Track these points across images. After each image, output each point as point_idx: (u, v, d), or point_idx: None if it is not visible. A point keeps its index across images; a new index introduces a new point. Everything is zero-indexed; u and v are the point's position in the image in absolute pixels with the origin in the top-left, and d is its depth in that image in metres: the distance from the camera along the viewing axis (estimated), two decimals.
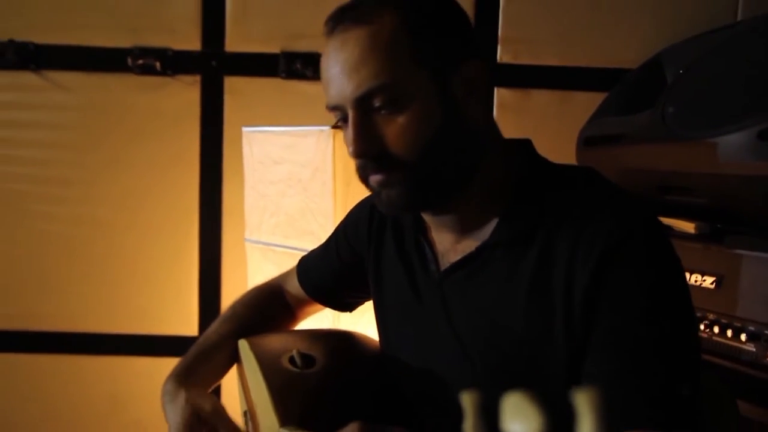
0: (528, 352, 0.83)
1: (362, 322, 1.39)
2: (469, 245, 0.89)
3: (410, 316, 0.97)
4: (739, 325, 1.31)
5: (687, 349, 0.78)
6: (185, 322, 2.11)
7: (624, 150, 1.62)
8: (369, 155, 0.83)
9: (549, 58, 2.05)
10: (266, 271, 1.61)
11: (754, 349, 1.27)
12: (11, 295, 2.12)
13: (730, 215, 1.45)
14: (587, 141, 1.79)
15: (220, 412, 1.03)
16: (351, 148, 0.84)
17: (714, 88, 1.48)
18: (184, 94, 2.05)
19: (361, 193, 1.16)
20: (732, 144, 1.31)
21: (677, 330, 0.77)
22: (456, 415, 0.95)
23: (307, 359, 1.01)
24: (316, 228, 1.50)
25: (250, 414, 1.12)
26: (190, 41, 2.04)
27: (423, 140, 0.82)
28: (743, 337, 1.29)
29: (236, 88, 2.05)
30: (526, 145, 0.93)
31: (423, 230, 0.96)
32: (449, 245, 0.92)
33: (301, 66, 1.99)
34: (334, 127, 1.46)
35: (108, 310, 2.12)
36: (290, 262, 1.29)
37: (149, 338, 2.12)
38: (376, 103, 0.81)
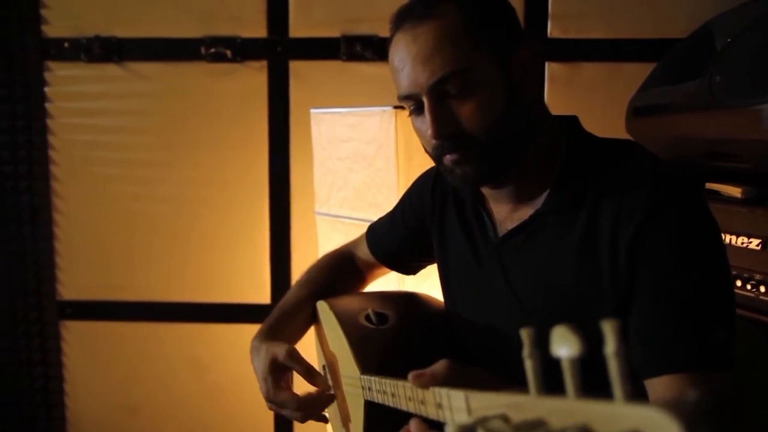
0: (578, 307, 0.91)
1: (425, 285, 1.49)
2: (523, 213, 0.98)
3: (471, 278, 1.07)
4: None
5: (720, 300, 0.86)
6: (259, 290, 2.25)
7: (672, 119, 1.66)
8: (446, 136, 0.91)
9: (597, 32, 2.09)
10: (335, 241, 1.71)
11: None
12: (102, 269, 2.30)
13: None
14: (636, 111, 1.82)
15: (294, 355, 1.12)
16: (430, 131, 0.91)
17: (759, 57, 1.50)
18: (253, 79, 2.17)
19: (422, 167, 1.26)
20: None
21: (711, 283, 0.85)
22: (512, 363, 1.07)
23: (381, 317, 1.12)
24: (381, 200, 1.61)
25: (328, 367, 1.25)
26: (257, 29, 2.15)
27: (492, 119, 0.91)
28: None
29: (300, 72, 2.16)
30: (572, 121, 1.01)
31: (482, 201, 1.06)
32: (506, 214, 1.01)
33: (361, 48, 2.09)
34: (396, 107, 1.56)
35: (188, 281, 2.28)
36: (357, 232, 1.40)
37: (226, 306, 2.28)
38: (450, 89, 0.89)
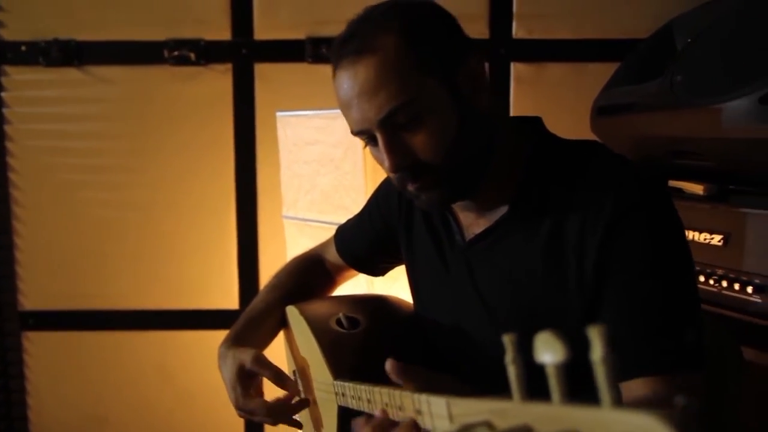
0: (546, 309, 0.91)
1: (395, 287, 1.49)
2: (489, 218, 0.98)
3: (439, 281, 1.07)
4: (745, 278, 1.38)
5: (689, 300, 0.87)
6: (226, 296, 2.23)
7: (636, 118, 1.68)
8: (404, 168, 0.90)
9: (562, 32, 2.11)
10: (303, 244, 1.71)
11: (760, 301, 1.34)
12: (65, 278, 2.25)
13: (735, 176, 1.52)
14: (600, 111, 1.84)
15: (261, 360, 1.11)
16: (386, 165, 0.90)
17: (719, 56, 1.53)
18: (218, 82, 2.15)
19: None
20: (735, 109, 1.36)
21: (679, 284, 0.86)
22: (482, 364, 1.07)
23: (352, 321, 1.12)
24: (349, 203, 1.61)
25: (299, 372, 1.23)
26: (221, 31, 2.13)
27: (447, 143, 0.89)
28: (750, 289, 1.36)
29: (266, 74, 2.14)
30: (536, 122, 1.00)
31: (448, 207, 1.04)
32: (472, 219, 1.01)
33: (327, 50, 2.07)
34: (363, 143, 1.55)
35: (154, 287, 2.25)
36: (325, 235, 1.39)
37: (194, 313, 2.25)
38: (400, 120, 0.87)
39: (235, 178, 2.19)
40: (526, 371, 0.44)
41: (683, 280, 0.87)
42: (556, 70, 2.13)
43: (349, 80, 0.88)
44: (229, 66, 2.15)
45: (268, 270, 2.16)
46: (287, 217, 1.81)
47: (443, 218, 1.06)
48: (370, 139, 0.92)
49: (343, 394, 0.95)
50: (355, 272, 1.35)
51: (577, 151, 0.95)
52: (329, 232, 1.37)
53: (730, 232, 1.44)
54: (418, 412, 0.65)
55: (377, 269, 1.32)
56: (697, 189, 1.58)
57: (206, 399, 2.25)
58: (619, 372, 0.85)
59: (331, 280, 1.36)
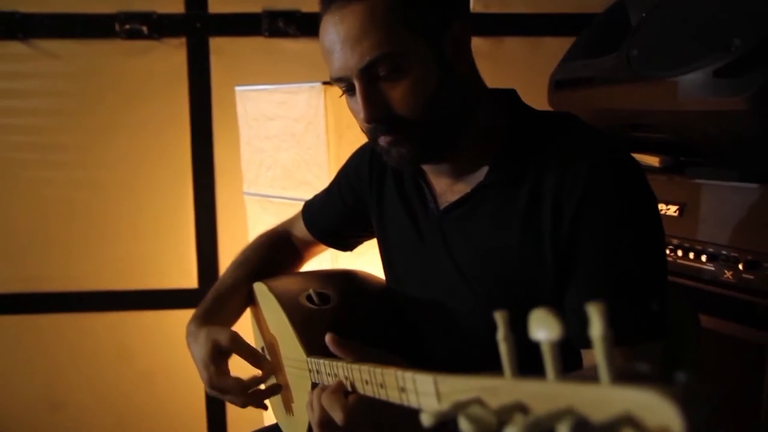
0: (522, 277, 0.93)
1: (360, 261, 1.48)
2: (465, 186, 0.99)
3: (414, 252, 1.07)
4: (699, 248, 1.43)
5: (656, 271, 0.90)
6: (185, 275, 2.20)
7: (593, 91, 1.70)
8: (379, 119, 0.91)
9: (519, 6, 2.12)
10: (265, 221, 1.69)
11: (713, 269, 1.39)
12: (16, 259, 2.19)
13: (690, 148, 1.57)
14: (558, 84, 1.86)
15: (238, 340, 1.11)
16: (362, 115, 0.91)
17: (674, 31, 1.56)
18: (172, 57, 2.09)
19: (352, 143, 1.24)
20: (691, 83, 1.40)
21: (649, 254, 0.89)
22: (457, 335, 1.08)
23: (323, 297, 1.11)
24: (312, 178, 1.59)
25: (267, 349, 1.23)
26: (174, 4, 2.07)
27: (424, 100, 0.90)
28: (704, 258, 1.41)
29: (222, 49, 2.10)
30: (512, 94, 1.02)
31: (421, 173, 1.05)
32: (446, 187, 1.02)
33: (284, 24, 2.04)
34: (325, 83, 1.54)
35: (110, 268, 2.20)
36: (288, 211, 1.38)
37: (152, 293, 2.22)
38: (380, 72, 0.88)
39: (192, 155, 2.15)
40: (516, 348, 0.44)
41: (653, 250, 0.90)
42: (513, 44, 2.14)
43: (334, 26, 0.89)
44: (183, 40, 2.10)
45: (228, 248, 2.14)
46: (248, 194, 1.79)
47: (416, 185, 1.06)
48: (348, 88, 0.93)
49: (318, 371, 0.95)
50: (323, 248, 1.34)
51: (552, 122, 0.97)
52: (292, 208, 1.36)
53: (685, 203, 1.48)
54: (402, 389, 0.65)
55: (347, 243, 1.31)
56: (654, 161, 1.62)
57: (167, 380, 2.23)
58: (582, 339, 0.88)
59: (299, 256, 1.35)
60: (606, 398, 0.35)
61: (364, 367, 0.75)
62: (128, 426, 2.27)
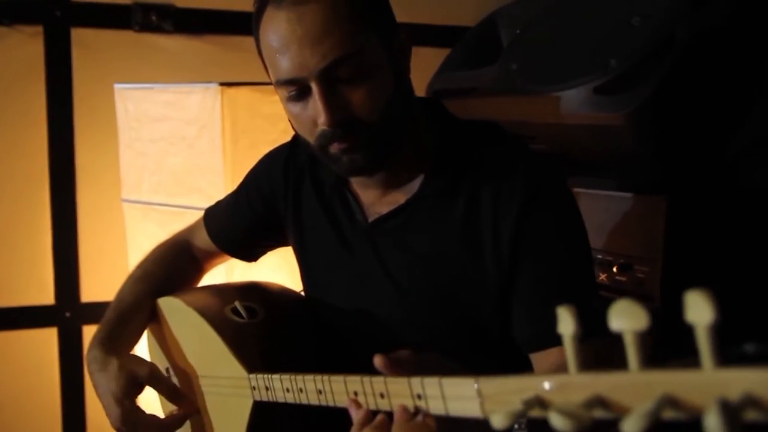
0: (461, 288, 0.94)
1: (253, 273, 1.42)
2: (397, 198, 0.98)
3: (339, 264, 1.04)
4: None
5: (591, 273, 0.96)
6: (40, 291, 1.96)
7: (474, 102, 1.76)
8: (338, 123, 0.86)
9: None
10: (148, 230, 1.59)
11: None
12: None
13: (569, 159, 1.67)
14: (437, 95, 1.92)
15: (157, 375, 1.05)
16: (323, 118, 0.86)
17: (553, 46, 1.65)
18: (26, 47, 1.89)
19: (248, 148, 1.20)
20: (572, 98, 1.49)
21: (583, 259, 0.95)
22: (386, 343, 1.08)
23: (250, 310, 1.06)
24: (205, 185, 1.51)
25: (173, 370, 1.15)
26: None
27: (383, 103, 0.89)
28: None
29: (85, 41, 1.93)
30: (439, 105, 1.03)
31: (346, 183, 1.03)
32: (374, 198, 1.00)
33: (158, 18, 1.92)
34: (223, 84, 1.47)
35: None
36: (174, 219, 1.30)
37: (4, 310, 1.93)
38: (341, 73, 0.85)
39: (49, 159, 1.95)
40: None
41: (586, 255, 0.96)
42: None
43: (290, 23, 0.84)
44: (39, 29, 1.89)
45: (94, 259, 1.97)
46: (128, 201, 1.66)
47: (341, 196, 1.03)
48: (299, 92, 0.88)
49: (266, 388, 0.91)
50: (224, 258, 1.27)
51: (481, 132, 0.99)
52: (180, 216, 1.29)
53: None
54: (419, 396, 0.63)
55: (254, 253, 1.25)
56: None
57: (18, 406, 1.99)
58: (535, 343, 0.92)
59: (200, 268, 1.27)
60: (710, 381, 0.36)
61: (356, 378, 0.73)
62: None
